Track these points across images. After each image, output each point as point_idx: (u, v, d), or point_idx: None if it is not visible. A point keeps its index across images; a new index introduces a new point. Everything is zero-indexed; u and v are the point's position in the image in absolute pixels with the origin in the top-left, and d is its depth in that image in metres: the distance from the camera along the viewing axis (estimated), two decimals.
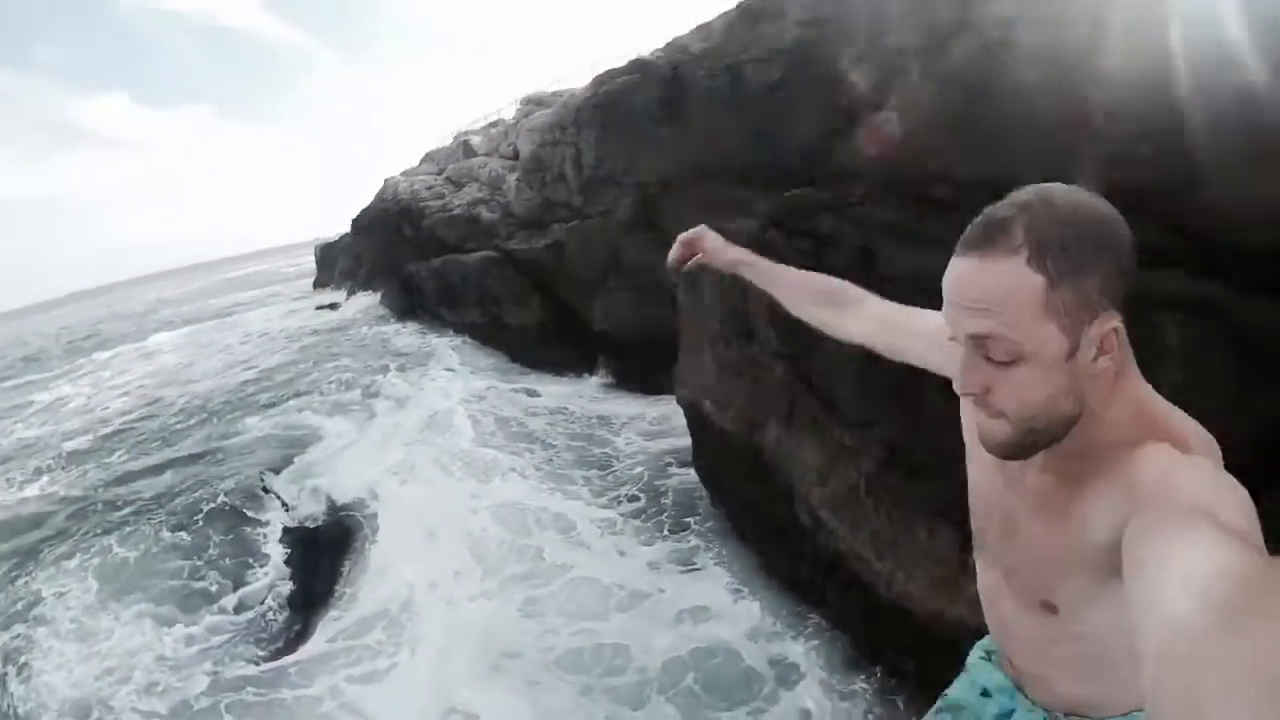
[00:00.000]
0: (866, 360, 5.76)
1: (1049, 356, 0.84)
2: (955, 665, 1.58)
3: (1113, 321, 0.83)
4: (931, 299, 4.14)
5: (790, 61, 8.88)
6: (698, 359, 8.79)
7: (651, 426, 11.21)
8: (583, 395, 12.03)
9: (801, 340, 6.79)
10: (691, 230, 1.73)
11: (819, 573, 7.20)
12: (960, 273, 0.86)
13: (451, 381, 12.14)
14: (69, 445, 13.92)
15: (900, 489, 5.83)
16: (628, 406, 11.66)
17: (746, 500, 8.32)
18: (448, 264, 14.09)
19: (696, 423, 9.07)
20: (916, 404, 5.66)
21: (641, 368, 11.97)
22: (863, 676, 6.42)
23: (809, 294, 1.48)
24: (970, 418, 1.10)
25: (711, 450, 8.89)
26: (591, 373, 12.39)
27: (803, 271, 1.53)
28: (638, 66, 11.06)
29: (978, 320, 0.84)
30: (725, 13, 10.14)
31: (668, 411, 11.41)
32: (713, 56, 10.01)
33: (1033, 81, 4.94)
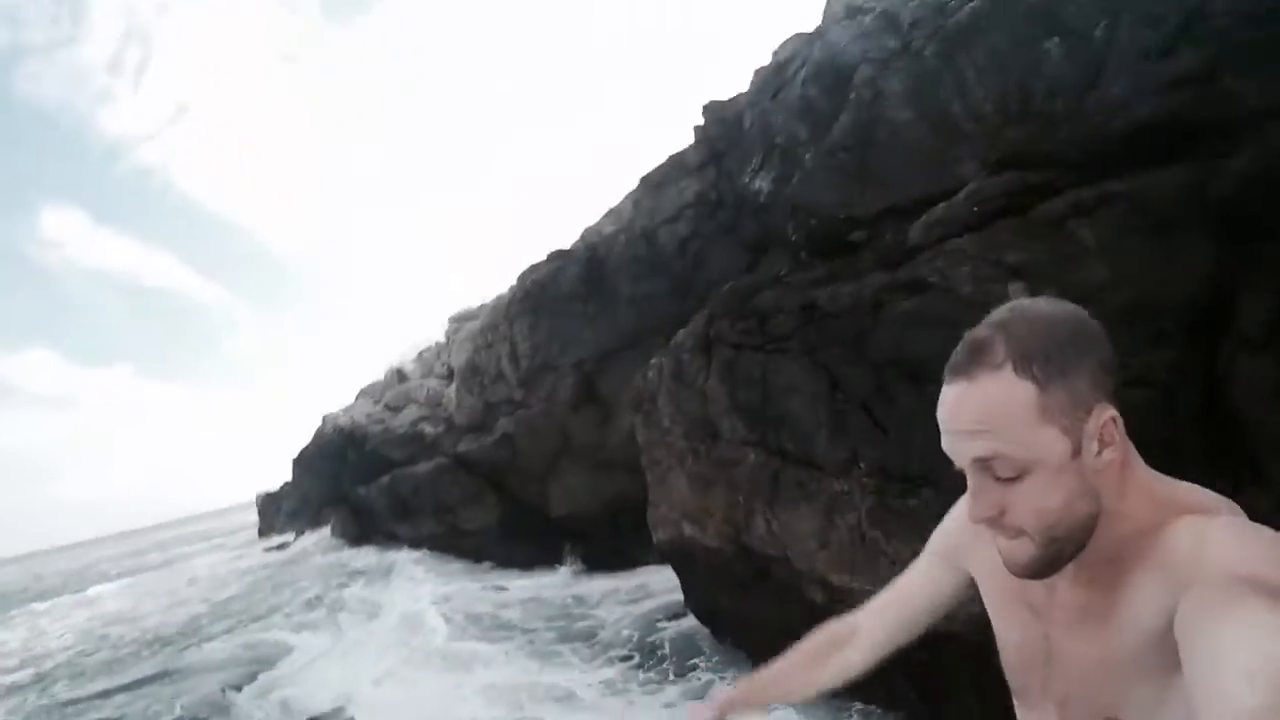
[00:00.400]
0: (830, 399, 5.99)
1: (1055, 460, 0.84)
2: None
3: (1108, 412, 0.84)
4: (876, 316, 4.68)
5: (698, 212, 10.00)
6: (668, 489, 8.71)
7: (631, 596, 10.67)
8: (554, 584, 11.44)
9: (767, 414, 6.97)
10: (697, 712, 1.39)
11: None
12: (951, 399, 0.87)
13: (418, 586, 11.38)
14: (6, 679, 12.57)
15: (903, 507, 5.78)
16: (602, 584, 11.15)
17: (750, 617, 7.88)
18: (397, 478, 13.78)
19: (680, 557, 8.75)
20: (890, 415, 5.83)
21: (610, 547, 11.65)
22: None
23: (810, 660, 1.37)
24: (984, 564, 1.06)
25: (702, 581, 8.52)
26: (560, 563, 11.89)
27: (789, 650, 1.42)
28: (558, 255, 12.11)
29: (978, 443, 0.85)
30: (630, 192, 11.48)
31: (645, 581, 10.97)
32: (626, 230, 11.14)
33: (906, 118, 5.85)
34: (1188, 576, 0.79)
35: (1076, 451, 0.84)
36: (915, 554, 4.88)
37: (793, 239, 6.88)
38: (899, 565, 5.06)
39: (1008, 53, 5.06)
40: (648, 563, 11.20)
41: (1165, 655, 0.80)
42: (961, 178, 5.48)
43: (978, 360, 0.85)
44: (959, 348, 0.88)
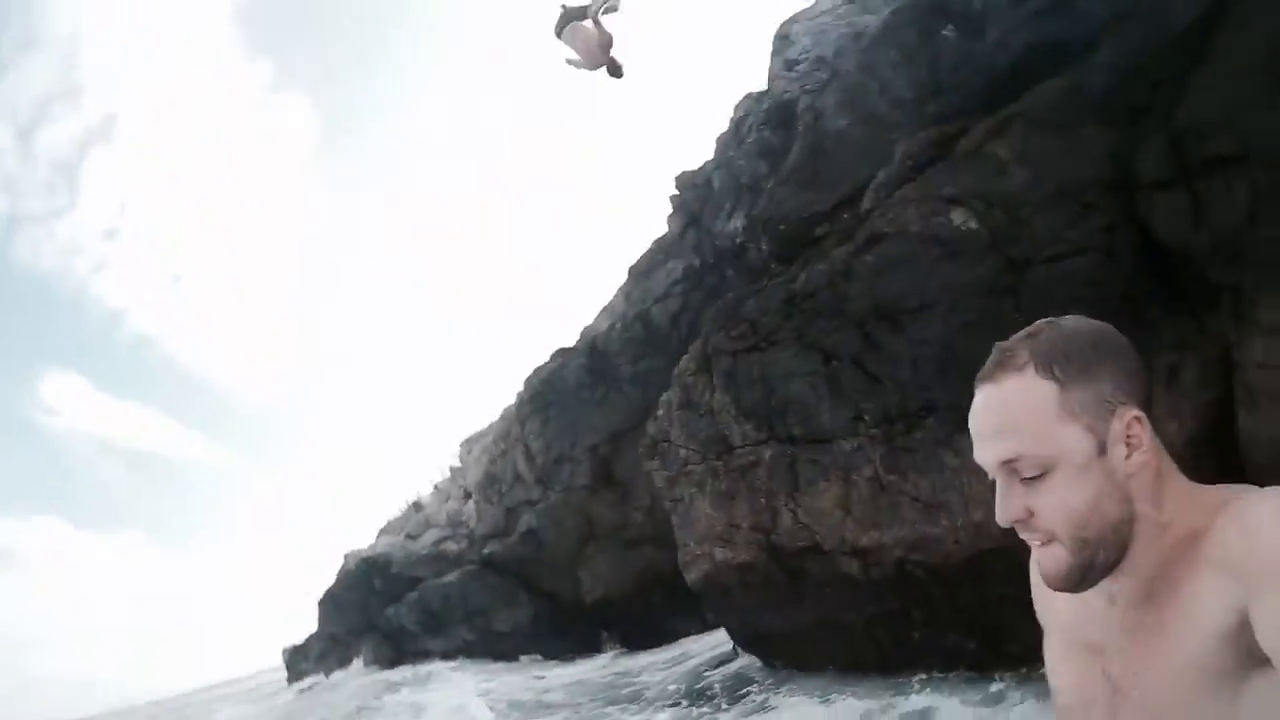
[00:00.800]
0: (826, 370, 6.74)
1: (1078, 456, 0.84)
2: None
3: (1132, 412, 0.84)
4: (848, 279, 5.86)
5: (687, 285, 11.03)
6: (692, 521, 8.98)
7: (674, 661, 10.57)
8: (595, 667, 11.29)
9: (772, 407, 7.56)
10: None
11: (899, 623, 6.98)
12: (977, 405, 0.89)
13: (461, 683, 11.08)
14: None
15: (912, 443, 6.27)
16: (644, 659, 11.05)
17: (796, 626, 8.01)
18: (426, 591, 13.64)
19: (716, 591, 8.88)
20: (879, 363, 6.46)
21: (647, 625, 11.63)
22: (996, 678, 6.03)
23: None
24: (1054, 655, 1.03)
25: (741, 607, 8.65)
26: (598, 650, 11.79)
27: None
28: (560, 353, 12.96)
29: (1001, 444, 0.86)
30: (620, 286, 12.57)
31: (686, 649, 10.88)
32: (622, 319, 12.12)
33: (844, 125, 7.03)
34: (1245, 569, 0.78)
35: (1101, 451, 0.84)
36: (933, 485, 5.57)
37: (765, 251, 7.81)
38: (921, 501, 5.74)
39: (914, 47, 6.29)
40: (689, 633, 11.17)
41: (1238, 656, 0.79)
42: (891, 161, 6.52)
43: (1002, 365, 0.87)
44: (989, 359, 0.90)
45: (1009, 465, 0.86)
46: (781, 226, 7.57)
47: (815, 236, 7.29)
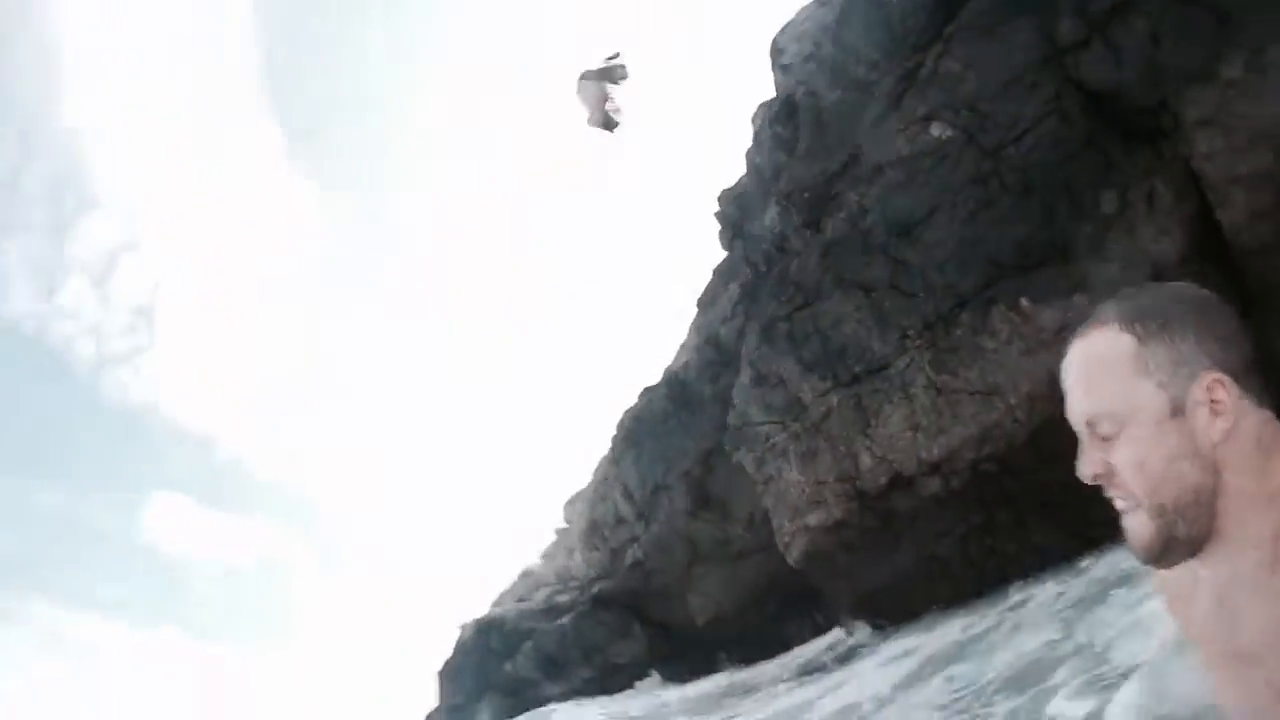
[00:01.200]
0: (868, 302, 7.39)
1: (1151, 413, 0.82)
2: None
3: (1213, 375, 0.81)
4: (864, 215, 6.89)
5: (747, 301, 11.76)
6: (785, 495, 9.23)
7: (789, 662, 10.49)
8: (715, 685, 11.31)
9: (830, 352, 8.01)
10: None
11: (989, 534, 7.14)
12: (1065, 362, 0.90)
13: (582, 715, 11.18)
14: None
15: (955, 340, 6.69)
16: (760, 669, 11.01)
17: (898, 572, 8.18)
18: (539, 637, 13.88)
19: (820, 561, 9.04)
20: (908, 278, 6.92)
21: (762, 638, 11.64)
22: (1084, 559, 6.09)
23: None
24: (1213, 676, 0.96)
25: (845, 572, 8.80)
26: (716, 669, 11.82)
27: None
28: (645, 391, 13.66)
29: (1083, 400, 0.87)
30: (691, 321, 13.42)
31: (800, 652, 10.76)
32: (696, 349, 12.87)
33: (835, 97, 7.87)
34: None
35: (1178, 411, 0.81)
36: (981, 372, 6.31)
37: (798, 224, 8.54)
38: (979, 394, 6.45)
39: (868, 15, 7.21)
40: (803, 639, 11.07)
41: None
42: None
43: (1090, 324, 0.88)
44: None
45: (1090, 426, 0.87)
46: (805, 194, 8.30)
47: (833, 194, 7.99)
